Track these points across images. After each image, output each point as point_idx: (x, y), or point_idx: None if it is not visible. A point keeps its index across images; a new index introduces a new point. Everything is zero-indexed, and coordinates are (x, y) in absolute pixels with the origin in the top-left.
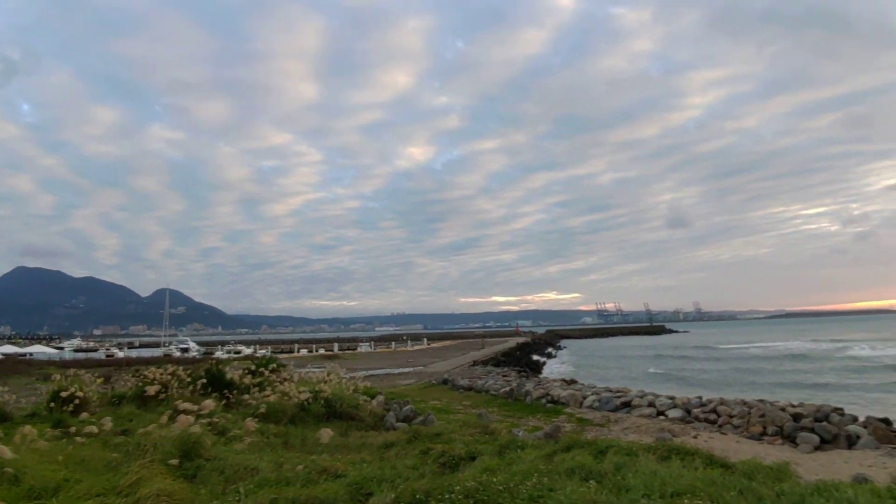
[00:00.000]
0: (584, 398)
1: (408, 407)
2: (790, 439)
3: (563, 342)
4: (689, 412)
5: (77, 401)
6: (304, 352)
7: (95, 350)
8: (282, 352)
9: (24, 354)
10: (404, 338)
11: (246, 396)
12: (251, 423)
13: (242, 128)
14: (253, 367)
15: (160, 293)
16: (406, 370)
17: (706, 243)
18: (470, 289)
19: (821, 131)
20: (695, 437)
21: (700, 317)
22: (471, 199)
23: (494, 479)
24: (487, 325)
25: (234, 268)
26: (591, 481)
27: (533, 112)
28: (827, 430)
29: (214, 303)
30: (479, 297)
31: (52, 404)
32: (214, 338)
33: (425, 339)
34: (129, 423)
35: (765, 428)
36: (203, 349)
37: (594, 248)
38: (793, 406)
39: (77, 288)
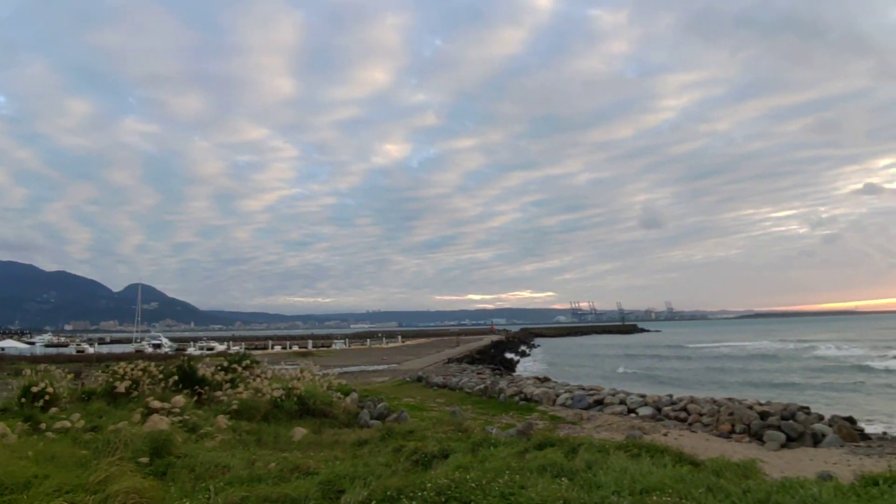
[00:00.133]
0: (557, 396)
1: (381, 404)
2: (758, 437)
3: (537, 340)
4: (659, 410)
5: (47, 396)
6: (278, 348)
7: (66, 345)
8: (255, 348)
9: None
10: (379, 335)
11: (218, 393)
12: (223, 420)
13: (218, 122)
14: (226, 364)
15: (132, 288)
16: (380, 367)
17: (678, 244)
18: (445, 287)
19: (791, 136)
20: (665, 435)
21: (672, 316)
22: (447, 198)
23: (467, 477)
24: (463, 322)
25: (207, 263)
26: (562, 478)
27: (510, 111)
28: (793, 428)
29: (188, 298)
30: (455, 295)
31: (22, 400)
32: (187, 334)
33: (400, 337)
34: (98, 420)
35: (733, 426)
36: (175, 345)
37: (569, 248)
38: (760, 405)
39: (49, 282)
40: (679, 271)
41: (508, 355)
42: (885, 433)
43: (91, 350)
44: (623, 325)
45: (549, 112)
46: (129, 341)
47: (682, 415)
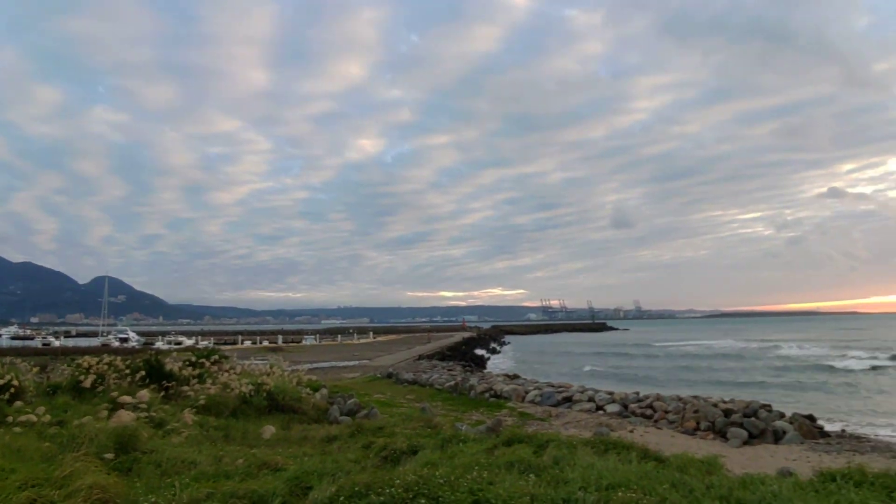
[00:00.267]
0: (527, 393)
1: (352, 400)
2: (721, 434)
3: (508, 338)
4: (626, 407)
5: (13, 389)
6: (247, 343)
7: (32, 338)
8: (225, 343)
9: None
10: (350, 331)
11: (185, 388)
12: (189, 416)
13: (189, 113)
14: (194, 359)
15: (99, 280)
16: (351, 363)
17: (648, 244)
18: (417, 283)
19: (758, 139)
20: (631, 432)
21: (640, 315)
22: (420, 194)
23: (435, 473)
24: (434, 319)
25: (176, 256)
26: (530, 475)
27: (484, 109)
28: (755, 425)
29: (156, 292)
30: (427, 292)
31: None
32: (155, 328)
33: (371, 333)
34: (64, 414)
35: (698, 423)
36: (143, 339)
37: (541, 246)
38: (724, 402)
39: (15, 273)
40: (648, 271)
41: (479, 352)
42: (843, 431)
43: (57, 343)
44: (593, 323)
45: (523, 110)
46: (95, 335)
47: (649, 412)
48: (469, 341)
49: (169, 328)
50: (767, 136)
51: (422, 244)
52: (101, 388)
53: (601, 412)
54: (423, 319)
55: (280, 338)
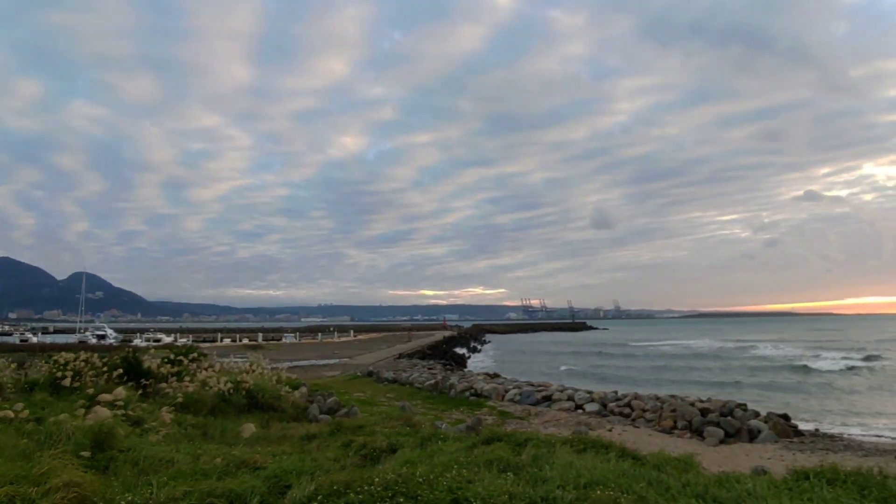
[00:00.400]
0: (507, 392)
1: (331, 399)
2: (698, 433)
3: (489, 337)
4: (605, 406)
5: None
6: (227, 341)
7: (10, 334)
8: (204, 341)
9: None
10: (331, 329)
11: (163, 385)
12: (166, 414)
13: (170, 107)
14: (172, 356)
15: (77, 277)
16: (331, 362)
17: (627, 244)
18: (399, 281)
19: (737, 142)
20: (610, 431)
21: (619, 315)
22: (402, 192)
23: (415, 472)
24: (415, 318)
25: (155, 253)
26: (509, 473)
27: (467, 108)
28: (731, 424)
29: (134, 288)
30: (408, 290)
31: None
32: (133, 325)
33: (352, 331)
34: (41, 411)
35: (675, 422)
36: (121, 336)
37: (521, 246)
38: (701, 402)
39: None
40: (627, 271)
41: (460, 351)
42: (816, 430)
43: (35, 340)
44: (573, 322)
45: (506, 110)
46: (73, 331)
47: (627, 411)
48: (449, 340)
49: (147, 325)
50: (746, 139)
51: (403, 243)
52: (78, 385)
53: (580, 411)
54: (404, 318)
55: (260, 335)
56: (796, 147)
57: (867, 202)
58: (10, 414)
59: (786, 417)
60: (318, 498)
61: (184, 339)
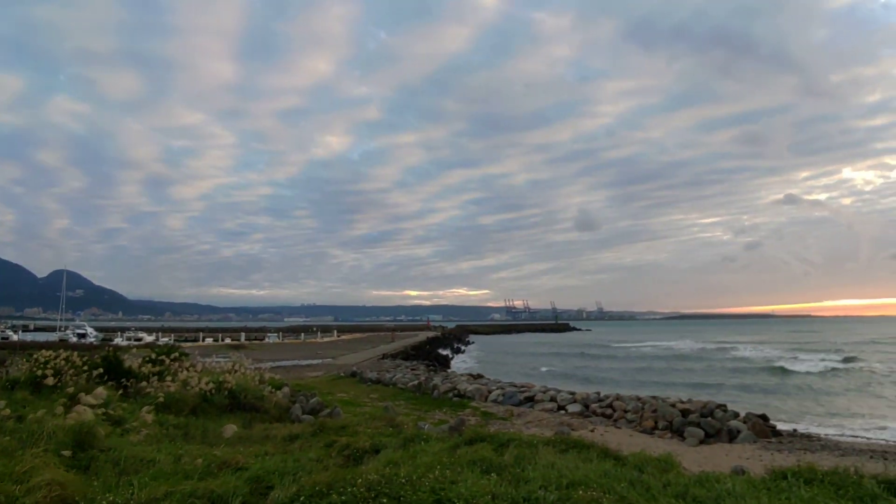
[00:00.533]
0: (490, 392)
1: (314, 399)
2: (678, 433)
3: (472, 337)
4: (587, 407)
5: None
6: (209, 341)
7: None
8: (186, 340)
9: None
10: (314, 329)
11: (144, 385)
12: (147, 414)
13: (152, 104)
14: (153, 356)
15: (57, 274)
16: (314, 362)
17: (610, 246)
18: (382, 282)
19: (718, 146)
20: (592, 431)
21: (602, 316)
22: (387, 192)
23: (398, 472)
24: (399, 318)
25: (137, 251)
26: (491, 473)
27: (452, 109)
28: (711, 425)
29: (115, 287)
30: (392, 291)
31: None
32: (114, 323)
33: (335, 331)
34: (23, 409)
35: (656, 423)
36: (101, 335)
37: (505, 247)
38: (682, 402)
39: None
40: (610, 273)
41: (443, 352)
42: (794, 430)
43: (15, 337)
44: (556, 323)
45: (490, 111)
46: (53, 329)
47: (609, 412)
48: (433, 341)
49: (128, 324)
50: (727, 142)
51: (387, 243)
52: (58, 383)
53: (563, 412)
54: (388, 318)
55: (243, 335)
56: (777, 151)
57: (846, 206)
58: None
59: (764, 418)
60: (301, 499)
61: (165, 339)
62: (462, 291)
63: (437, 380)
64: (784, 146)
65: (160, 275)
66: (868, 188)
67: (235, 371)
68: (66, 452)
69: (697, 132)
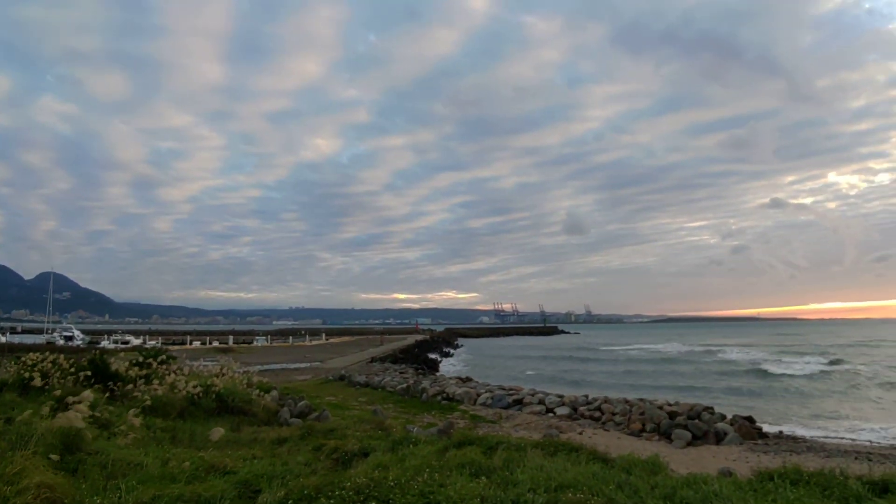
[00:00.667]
0: (479, 396)
1: (302, 402)
2: (666, 436)
3: (461, 341)
4: (575, 410)
5: None
6: (197, 344)
7: None
8: (173, 343)
9: None
10: (302, 332)
11: (130, 387)
12: (134, 418)
13: (140, 105)
14: (141, 359)
15: (44, 276)
16: (303, 365)
17: (599, 250)
18: (371, 285)
19: (706, 150)
20: (580, 434)
21: (590, 319)
22: (376, 195)
23: (386, 475)
24: (387, 321)
25: (124, 253)
26: (480, 476)
27: (441, 112)
28: (698, 427)
29: (102, 289)
30: (380, 294)
31: None
32: (101, 326)
33: (324, 335)
34: (11, 412)
35: (644, 425)
36: (88, 338)
37: (494, 250)
38: (669, 405)
39: None
40: (598, 276)
41: (432, 355)
42: (780, 432)
43: (3, 339)
44: (544, 326)
45: (480, 115)
46: (41, 331)
47: (597, 414)
48: (422, 344)
49: (115, 327)
50: (715, 147)
51: (376, 246)
52: (46, 386)
53: (551, 415)
54: (377, 321)
55: (231, 338)
56: (763, 155)
57: (831, 210)
58: None
59: (751, 420)
60: (289, 503)
61: (153, 342)
62: (451, 294)
63: (425, 383)
64: (770, 150)
65: (147, 277)
66: (853, 192)
67: (223, 374)
68: (54, 456)
69: (685, 136)
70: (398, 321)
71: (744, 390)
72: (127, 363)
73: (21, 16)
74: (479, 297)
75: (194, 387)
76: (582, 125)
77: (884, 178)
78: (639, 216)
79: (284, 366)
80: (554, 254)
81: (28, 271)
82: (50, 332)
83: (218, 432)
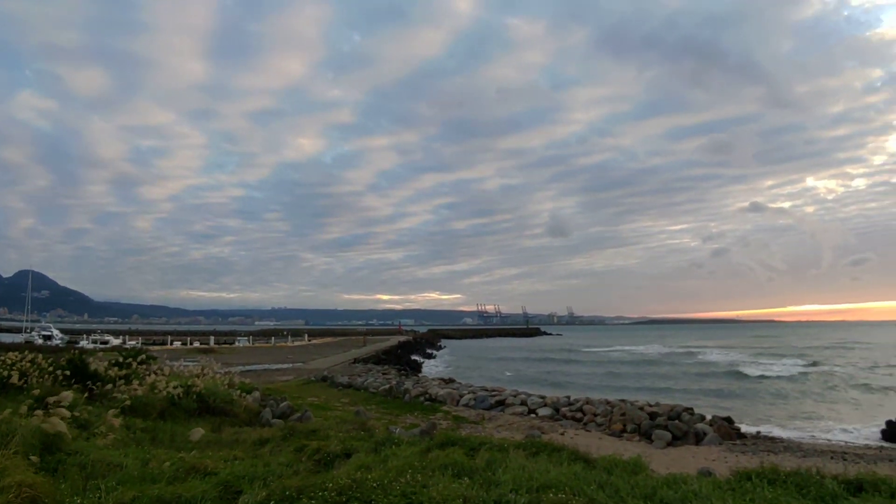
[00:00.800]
0: (461, 397)
1: (284, 403)
2: (647, 436)
3: (444, 342)
4: (557, 411)
5: None
6: (177, 344)
7: None
8: (154, 343)
9: None
10: (285, 333)
11: (110, 387)
12: (114, 418)
13: (120, 102)
14: (120, 359)
15: (22, 274)
16: (285, 366)
17: (581, 252)
18: (354, 286)
19: (687, 154)
20: (562, 434)
21: (572, 321)
22: (359, 196)
23: (369, 476)
24: (370, 322)
25: (104, 252)
26: (463, 477)
27: (425, 113)
28: (678, 427)
29: (81, 288)
30: (364, 295)
31: None
32: (80, 326)
33: (306, 335)
34: None
35: (625, 426)
36: (67, 338)
37: (477, 251)
38: (650, 406)
39: None
40: (581, 278)
41: (415, 357)
42: (758, 432)
43: None
44: (527, 328)
45: (464, 116)
46: (19, 330)
47: (579, 415)
48: (405, 345)
49: (95, 326)
50: (696, 151)
51: (359, 247)
52: (24, 385)
53: (533, 415)
54: (359, 323)
55: (212, 339)
56: (743, 160)
57: (809, 214)
58: None
59: (729, 421)
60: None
61: (133, 342)
62: (434, 296)
63: (408, 384)
64: (750, 155)
65: (127, 277)
66: (830, 197)
67: (204, 375)
68: (34, 457)
69: (667, 140)
70: (381, 322)
71: (723, 391)
72: (106, 363)
73: (3, 9)
74: (463, 298)
75: (175, 387)
76: (565, 128)
77: (860, 183)
78: (621, 219)
79: (266, 367)
80: (537, 256)
81: (6, 269)
82: (28, 331)
83: (199, 433)
